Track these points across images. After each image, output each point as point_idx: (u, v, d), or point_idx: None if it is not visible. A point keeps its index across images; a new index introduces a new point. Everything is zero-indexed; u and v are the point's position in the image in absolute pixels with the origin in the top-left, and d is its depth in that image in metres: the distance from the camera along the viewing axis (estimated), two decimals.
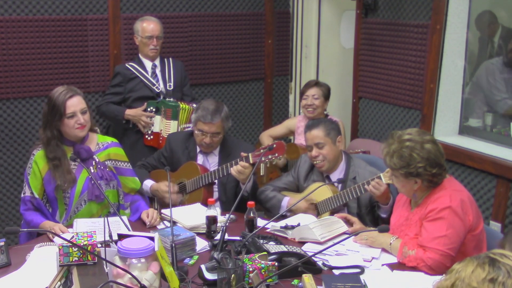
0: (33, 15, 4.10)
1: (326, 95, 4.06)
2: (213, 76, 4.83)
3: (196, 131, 3.42)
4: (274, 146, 3.08)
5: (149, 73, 4.11)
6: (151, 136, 4.06)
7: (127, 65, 4.12)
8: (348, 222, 2.91)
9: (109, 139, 3.12)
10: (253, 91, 5.08)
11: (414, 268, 2.47)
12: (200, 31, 4.69)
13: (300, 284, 2.29)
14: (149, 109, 4.02)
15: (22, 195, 2.97)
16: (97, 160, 2.99)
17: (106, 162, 3.03)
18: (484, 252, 2.52)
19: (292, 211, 3.16)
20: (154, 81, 4.09)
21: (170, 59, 4.25)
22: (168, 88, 4.11)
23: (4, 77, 4.06)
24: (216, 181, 3.37)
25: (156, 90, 4.08)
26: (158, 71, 4.14)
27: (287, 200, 3.26)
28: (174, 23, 4.57)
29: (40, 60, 4.17)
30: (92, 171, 2.95)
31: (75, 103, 2.89)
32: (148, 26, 4.07)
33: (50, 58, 4.20)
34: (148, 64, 4.14)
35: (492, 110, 3.58)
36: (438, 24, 3.68)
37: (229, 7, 4.79)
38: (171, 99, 4.07)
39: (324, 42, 5.11)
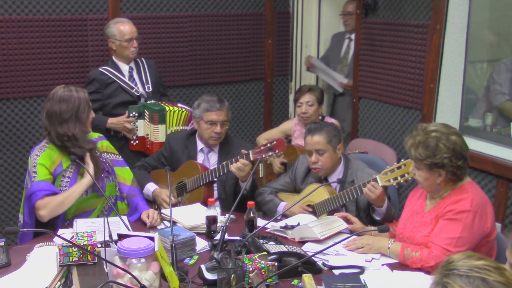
0: (33, 15, 4.10)
1: (320, 100, 4.01)
2: (213, 76, 4.83)
3: (204, 125, 3.41)
4: (274, 142, 3.10)
5: (127, 77, 3.97)
6: (137, 141, 3.96)
7: (101, 69, 3.94)
8: (349, 222, 2.90)
9: (95, 135, 3.14)
10: (253, 91, 5.08)
11: (416, 268, 2.47)
12: (200, 31, 4.69)
13: (300, 284, 2.29)
14: (131, 114, 3.89)
15: (26, 189, 2.90)
16: (98, 154, 3.01)
17: (103, 154, 3.04)
18: (493, 258, 2.53)
19: (287, 216, 3.14)
20: (132, 85, 3.95)
21: (143, 59, 4.11)
22: (147, 90, 3.99)
23: (4, 77, 4.06)
24: (216, 179, 3.37)
25: (136, 93, 3.95)
26: (135, 74, 4.01)
27: (283, 205, 3.24)
28: (174, 23, 4.57)
29: (40, 60, 4.17)
30: None
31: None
32: (125, 29, 3.92)
33: (50, 58, 4.20)
34: (124, 67, 3.98)
35: (489, 106, 3.55)
36: (438, 24, 3.68)
37: (229, 7, 4.79)
38: (152, 101, 3.96)
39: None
